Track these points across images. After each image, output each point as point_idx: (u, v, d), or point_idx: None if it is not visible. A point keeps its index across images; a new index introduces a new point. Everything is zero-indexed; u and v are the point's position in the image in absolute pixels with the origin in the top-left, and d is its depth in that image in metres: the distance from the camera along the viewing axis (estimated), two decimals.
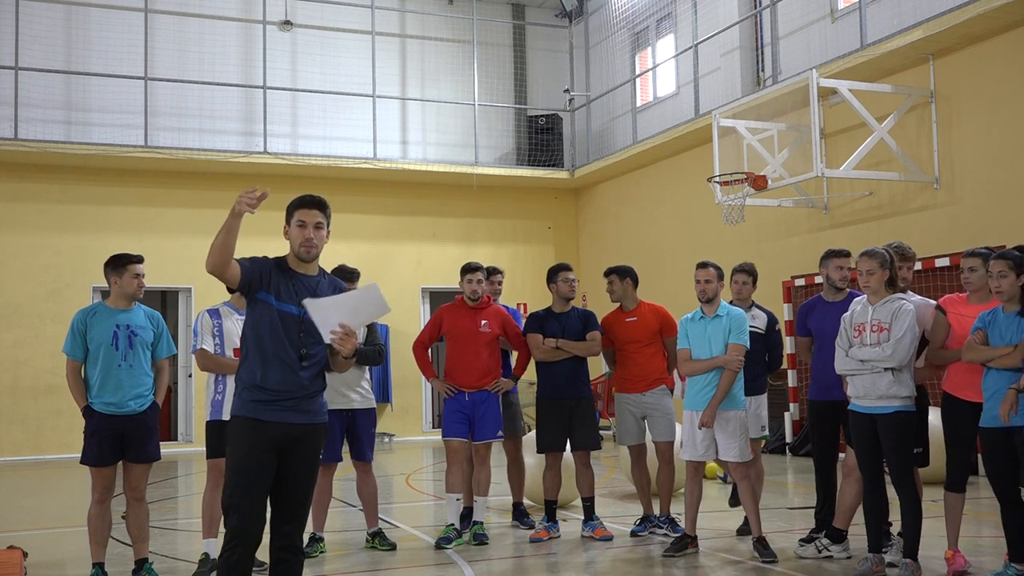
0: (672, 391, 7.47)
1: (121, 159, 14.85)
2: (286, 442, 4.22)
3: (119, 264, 5.94)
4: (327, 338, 4.14)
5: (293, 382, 4.23)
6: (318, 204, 4.35)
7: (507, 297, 16.76)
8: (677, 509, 7.39)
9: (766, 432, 7.52)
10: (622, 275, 7.50)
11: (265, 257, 4.38)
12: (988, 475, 5.50)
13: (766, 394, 7.39)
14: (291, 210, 4.39)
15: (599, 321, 7.51)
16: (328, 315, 4.13)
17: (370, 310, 4.27)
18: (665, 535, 7.18)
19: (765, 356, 7.20)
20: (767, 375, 7.33)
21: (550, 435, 7.33)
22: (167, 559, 6.76)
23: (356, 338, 4.18)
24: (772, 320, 7.25)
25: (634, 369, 7.38)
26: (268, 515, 4.28)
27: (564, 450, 7.39)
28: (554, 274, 7.47)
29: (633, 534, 7.29)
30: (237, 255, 4.22)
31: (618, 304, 7.56)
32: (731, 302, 6.97)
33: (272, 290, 4.26)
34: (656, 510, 7.44)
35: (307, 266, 4.38)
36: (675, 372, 7.36)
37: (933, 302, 6.04)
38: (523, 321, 7.63)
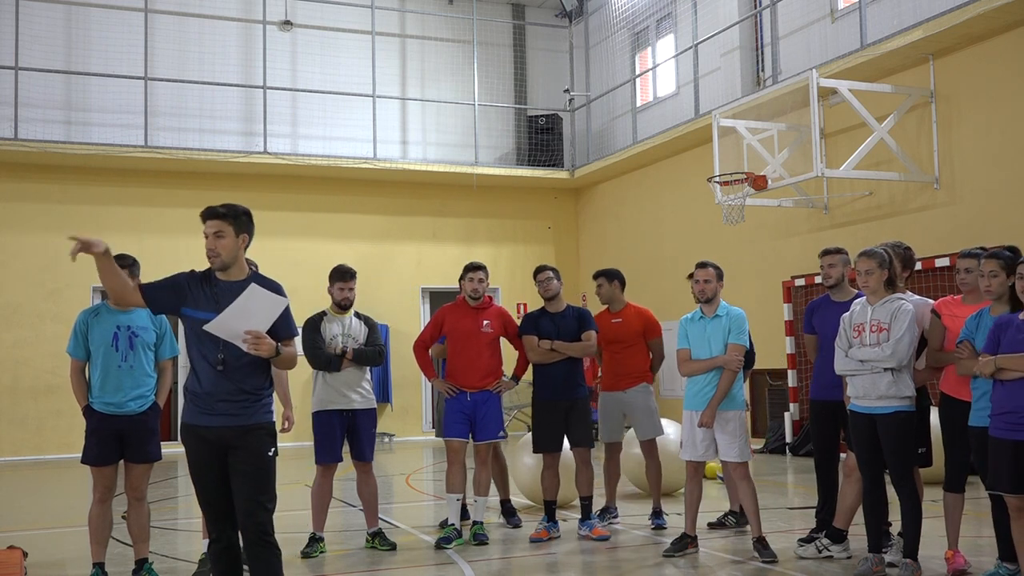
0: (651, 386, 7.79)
1: (121, 159, 14.85)
2: (226, 444, 4.38)
3: (120, 266, 5.93)
4: (244, 348, 4.27)
5: (221, 386, 4.36)
6: (211, 214, 4.40)
7: (507, 297, 16.94)
8: (676, 508, 7.40)
9: None
10: (610, 278, 7.85)
11: (182, 274, 4.49)
12: (980, 472, 5.49)
13: None
14: None
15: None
16: (231, 328, 4.24)
17: (266, 308, 4.30)
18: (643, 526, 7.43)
19: None
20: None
21: (547, 435, 7.35)
22: (167, 559, 6.76)
23: (267, 340, 4.25)
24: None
25: (617, 368, 7.72)
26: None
27: (561, 450, 7.41)
28: (534, 276, 7.61)
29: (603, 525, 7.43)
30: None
31: (606, 305, 7.83)
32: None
33: (191, 302, 4.38)
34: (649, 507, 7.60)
35: (231, 272, 4.43)
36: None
37: (931, 302, 6.04)
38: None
